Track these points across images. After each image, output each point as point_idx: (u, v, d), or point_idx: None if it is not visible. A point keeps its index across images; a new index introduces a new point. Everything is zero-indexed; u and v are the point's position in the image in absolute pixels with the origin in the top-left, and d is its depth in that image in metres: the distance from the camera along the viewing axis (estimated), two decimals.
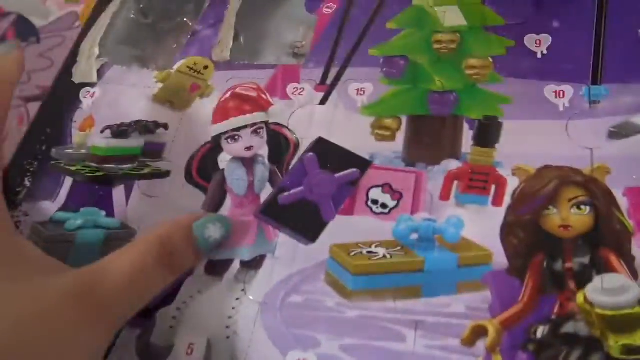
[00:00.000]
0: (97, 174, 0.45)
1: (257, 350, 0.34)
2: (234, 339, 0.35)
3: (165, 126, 0.46)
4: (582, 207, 0.34)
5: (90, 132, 0.47)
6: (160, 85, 0.48)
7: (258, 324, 0.35)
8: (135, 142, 0.46)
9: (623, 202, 0.34)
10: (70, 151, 0.47)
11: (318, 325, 0.34)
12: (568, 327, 0.31)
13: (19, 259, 0.32)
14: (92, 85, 0.49)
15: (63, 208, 0.44)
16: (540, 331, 0.32)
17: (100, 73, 0.50)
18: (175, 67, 0.49)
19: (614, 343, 0.30)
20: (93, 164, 0.45)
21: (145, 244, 0.34)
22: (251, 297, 0.37)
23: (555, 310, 0.32)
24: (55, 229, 0.42)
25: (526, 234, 0.34)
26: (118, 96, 0.48)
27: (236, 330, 0.36)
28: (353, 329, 0.34)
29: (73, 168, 0.45)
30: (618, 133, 0.37)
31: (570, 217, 0.34)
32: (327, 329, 0.34)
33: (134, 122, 0.47)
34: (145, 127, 0.46)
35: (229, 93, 0.45)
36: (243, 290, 0.37)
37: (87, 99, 0.49)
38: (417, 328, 0.33)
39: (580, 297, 0.32)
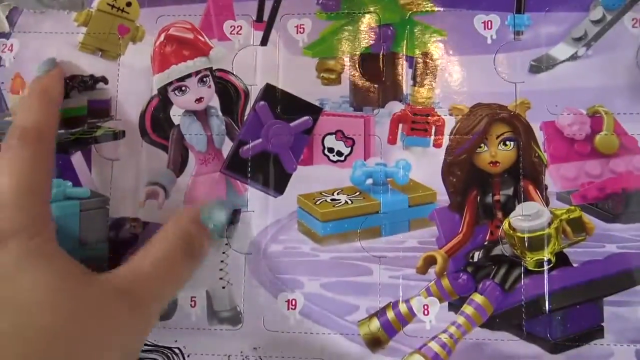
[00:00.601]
0: None
1: (251, 294, 0.43)
2: (229, 288, 0.43)
3: (104, 80, 0.46)
4: (508, 142, 0.42)
5: (24, 93, 0.46)
6: (83, 29, 0.47)
7: (247, 272, 0.43)
8: (77, 101, 0.46)
9: (540, 135, 0.42)
10: (9, 119, 0.47)
11: (298, 268, 0.43)
12: (496, 250, 0.42)
13: (62, 261, 0.36)
14: (6, 35, 0.47)
15: None
16: (476, 255, 0.42)
17: (9, 20, 0.47)
18: (94, 4, 0.47)
19: (530, 259, 0.41)
20: None
21: (170, 240, 0.39)
22: (236, 250, 0.44)
23: (487, 237, 0.42)
24: None
25: (462, 172, 0.42)
26: (40, 47, 0.47)
27: (229, 279, 0.43)
28: (328, 269, 0.43)
29: None
30: (538, 66, 0.43)
31: (498, 153, 0.42)
32: (307, 271, 0.43)
33: (69, 78, 0.46)
34: (83, 83, 0.47)
35: (163, 35, 0.46)
36: (227, 244, 0.44)
37: (6, 54, 0.47)
38: (380, 263, 0.42)
39: (505, 224, 0.41)
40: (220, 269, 0.44)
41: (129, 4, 0.47)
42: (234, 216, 0.44)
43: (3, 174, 0.36)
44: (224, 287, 0.44)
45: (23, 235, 0.35)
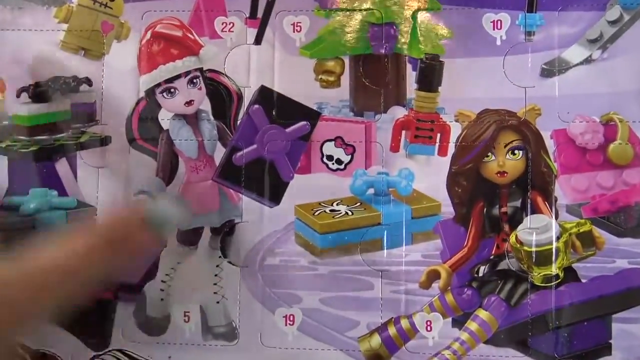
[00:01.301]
0: (32, 148, 0.44)
1: (247, 310, 0.42)
2: (224, 302, 0.42)
3: (88, 81, 0.44)
4: (516, 151, 0.41)
5: (3, 97, 0.44)
6: (64, 25, 0.44)
7: (242, 286, 0.42)
8: (60, 104, 0.45)
9: (550, 143, 0.41)
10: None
11: (296, 282, 0.42)
12: (503, 264, 0.41)
13: None
14: None
15: (9, 191, 0.44)
16: (482, 270, 0.41)
17: None
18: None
19: (537, 274, 0.40)
20: (23, 137, 0.44)
21: (97, 229, 0.35)
22: (231, 263, 0.42)
23: (493, 251, 0.41)
24: (11, 216, 0.43)
25: (468, 183, 0.41)
26: (20, 47, 0.44)
27: (224, 294, 0.42)
28: (327, 283, 0.42)
29: (3, 145, 0.44)
30: (550, 70, 0.41)
31: (506, 163, 0.41)
32: (305, 286, 0.42)
33: (51, 80, 0.44)
34: (66, 85, 0.45)
35: (149, 33, 0.44)
36: (220, 257, 0.43)
37: None
38: (382, 277, 0.41)
39: (512, 238, 0.40)
40: (215, 283, 0.43)
41: None
42: (230, 228, 0.43)
43: None
44: (218, 302, 0.43)
45: None
